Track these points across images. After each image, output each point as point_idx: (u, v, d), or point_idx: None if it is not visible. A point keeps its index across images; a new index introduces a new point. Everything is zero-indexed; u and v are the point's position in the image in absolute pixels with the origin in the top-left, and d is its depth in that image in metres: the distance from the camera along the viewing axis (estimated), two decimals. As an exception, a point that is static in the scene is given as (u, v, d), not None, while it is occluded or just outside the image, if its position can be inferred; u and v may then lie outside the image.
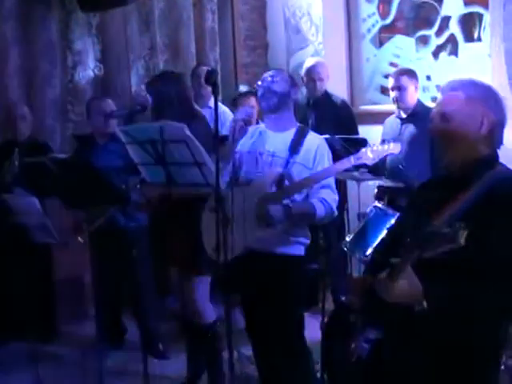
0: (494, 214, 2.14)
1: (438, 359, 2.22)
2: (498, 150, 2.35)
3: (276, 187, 3.38)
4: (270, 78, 3.46)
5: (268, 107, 3.47)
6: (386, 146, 3.46)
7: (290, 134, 3.48)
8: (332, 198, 3.42)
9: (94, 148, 4.69)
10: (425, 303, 2.12)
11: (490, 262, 2.12)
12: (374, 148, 3.42)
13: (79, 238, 4.14)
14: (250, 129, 3.65)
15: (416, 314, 2.14)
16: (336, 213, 3.48)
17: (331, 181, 3.47)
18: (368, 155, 3.41)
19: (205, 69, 5.16)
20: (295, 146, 3.42)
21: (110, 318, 4.88)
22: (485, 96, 2.29)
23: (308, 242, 3.53)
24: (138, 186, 4.02)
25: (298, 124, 3.57)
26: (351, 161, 3.41)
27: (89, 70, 5.85)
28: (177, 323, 4.56)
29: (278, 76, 3.48)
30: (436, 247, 2.01)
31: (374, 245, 3.95)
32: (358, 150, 3.45)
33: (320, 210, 3.37)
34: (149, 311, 4.73)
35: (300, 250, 3.50)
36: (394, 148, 3.49)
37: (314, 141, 3.48)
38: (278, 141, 3.48)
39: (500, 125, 2.30)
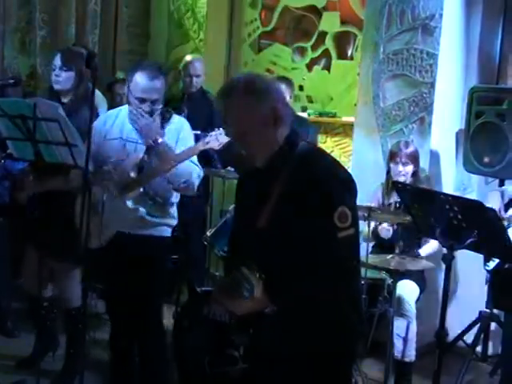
0: (298, 207, 2.25)
1: (297, 364, 2.31)
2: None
3: (136, 173, 3.43)
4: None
5: None
6: None
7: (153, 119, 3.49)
8: (197, 171, 3.48)
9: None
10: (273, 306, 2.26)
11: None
12: (220, 134, 3.44)
13: None
14: (113, 113, 3.68)
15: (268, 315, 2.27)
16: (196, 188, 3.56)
17: (194, 159, 3.51)
18: (215, 140, 3.44)
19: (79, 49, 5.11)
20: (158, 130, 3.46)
21: None
22: (264, 87, 2.31)
23: (175, 223, 3.61)
24: (3, 161, 3.94)
25: (161, 108, 3.56)
26: (201, 145, 3.44)
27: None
28: (26, 303, 4.49)
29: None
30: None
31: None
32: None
33: (195, 172, 3.45)
34: (1, 290, 4.63)
35: (167, 232, 3.58)
36: None
37: (178, 123, 3.55)
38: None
39: (283, 105, 2.34)
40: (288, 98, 4.92)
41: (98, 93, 5.40)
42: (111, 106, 5.67)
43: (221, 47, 6.26)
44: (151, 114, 3.45)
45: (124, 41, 6.57)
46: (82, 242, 3.01)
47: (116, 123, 3.56)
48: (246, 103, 2.29)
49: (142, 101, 3.42)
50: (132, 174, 3.43)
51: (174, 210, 3.61)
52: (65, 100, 3.79)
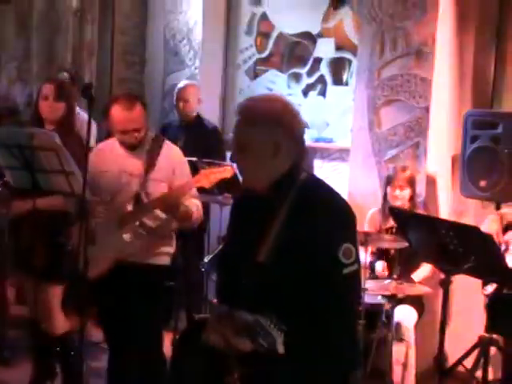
0: (300, 243, 2.23)
1: None
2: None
3: (133, 205, 3.43)
4: None
5: None
6: (220, 170, 3.47)
7: (143, 149, 3.53)
8: (196, 204, 3.49)
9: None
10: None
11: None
12: (209, 172, 3.44)
13: None
14: (100, 147, 3.73)
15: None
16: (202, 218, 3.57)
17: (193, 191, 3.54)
18: (204, 180, 3.43)
19: (65, 74, 5.13)
20: (150, 162, 3.48)
21: None
22: (275, 115, 2.27)
23: (173, 251, 3.62)
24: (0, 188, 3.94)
25: (152, 135, 3.61)
26: (193, 183, 3.46)
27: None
28: (23, 331, 4.47)
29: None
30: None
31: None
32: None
33: (194, 206, 3.47)
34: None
35: (166, 261, 3.58)
36: (227, 172, 3.44)
37: (170, 152, 3.57)
38: (133, 157, 3.53)
39: (295, 140, 2.31)
40: None
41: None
42: (107, 134, 5.71)
43: (216, 74, 6.31)
44: (139, 142, 3.47)
45: (120, 68, 6.61)
46: (70, 265, 3.03)
47: (110, 155, 3.58)
48: (247, 129, 2.29)
49: (124, 132, 3.45)
50: (128, 208, 3.44)
51: (172, 238, 3.62)
52: (49, 127, 3.78)
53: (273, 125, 2.26)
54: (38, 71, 5.99)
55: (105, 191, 3.51)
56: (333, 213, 2.26)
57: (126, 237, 3.43)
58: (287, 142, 2.28)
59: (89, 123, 3.03)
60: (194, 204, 3.49)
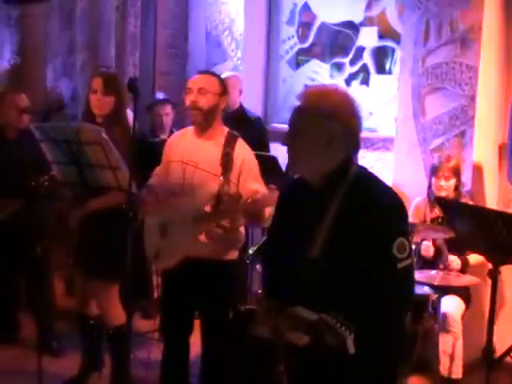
0: (355, 237, 2.22)
1: None
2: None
3: (214, 207, 3.34)
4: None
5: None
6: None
7: (218, 143, 3.45)
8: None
9: (3, 141, 4.61)
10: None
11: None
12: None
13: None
14: (175, 135, 3.71)
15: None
16: None
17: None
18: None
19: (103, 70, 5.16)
20: (227, 159, 3.38)
21: (3, 313, 4.83)
22: (333, 107, 2.28)
23: (241, 244, 3.57)
24: (47, 183, 4.01)
25: (227, 130, 3.53)
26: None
27: (4, 61, 5.77)
28: (71, 322, 4.55)
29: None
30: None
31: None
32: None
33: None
34: (47, 308, 4.70)
35: (234, 255, 3.52)
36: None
37: (240, 152, 3.43)
38: (205, 150, 3.44)
39: (351, 133, 2.31)
40: None
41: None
42: (152, 127, 5.76)
43: (259, 65, 6.30)
44: (205, 117, 3.42)
45: (163, 62, 6.65)
46: (126, 261, 3.03)
47: (180, 145, 3.56)
48: (304, 116, 2.30)
49: (189, 91, 3.42)
50: (207, 208, 3.34)
51: (242, 234, 3.56)
52: (99, 121, 3.77)
53: (330, 115, 2.26)
54: (83, 66, 6.06)
55: (174, 181, 3.48)
56: (386, 207, 2.25)
57: (202, 237, 3.35)
58: (342, 134, 2.28)
59: (134, 117, 3.05)
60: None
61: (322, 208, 2.29)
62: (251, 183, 3.39)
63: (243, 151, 3.47)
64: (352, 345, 2.06)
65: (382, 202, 2.26)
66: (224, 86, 3.53)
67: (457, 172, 4.35)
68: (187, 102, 3.43)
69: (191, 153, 3.46)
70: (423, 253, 4.30)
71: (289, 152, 2.36)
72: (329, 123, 2.26)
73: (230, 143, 3.44)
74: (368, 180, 2.35)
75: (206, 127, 3.46)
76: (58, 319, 4.85)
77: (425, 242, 4.30)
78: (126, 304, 3.45)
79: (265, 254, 2.69)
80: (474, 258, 4.28)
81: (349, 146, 2.33)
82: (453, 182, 4.32)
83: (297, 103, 2.34)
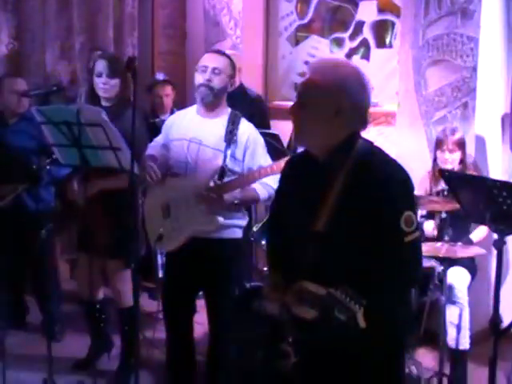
0: (361, 211, 2.21)
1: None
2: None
3: (215, 181, 3.34)
4: None
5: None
6: None
7: (222, 122, 3.46)
8: (271, 179, 3.37)
9: (3, 126, 4.60)
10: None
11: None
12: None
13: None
14: (178, 114, 3.69)
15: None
16: None
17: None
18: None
19: (99, 53, 5.12)
20: (231, 136, 3.40)
21: (12, 297, 4.84)
22: (342, 79, 2.27)
23: (245, 223, 3.58)
24: (48, 166, 4.01)
25: (230, 110, 3.54)
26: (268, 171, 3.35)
27: (2, 45, 5.74)
28: (76, 305, 4.57)
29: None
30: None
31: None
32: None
33: (263, 195, 3.42)
34: (52, 293, 4.71)
35: (239, 233, 3.53)
36: None
37: (245, 130, 3.46)
38: (209, 128, 3.45)
39: (358, 107, 2.31)
40: None
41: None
42: (152, 108, 5.74)
43: (258, 42, 6.26)
44: (215, 95, 3.43)
45: (162, 42, 6.61)
46: (135, 241, 3.04)
47: (183, 123, 3.54)
48: (312, 87, 2.29)
49: (203, 70, 3.43)
50: (211, 183, 3.34)
51: (244, 212, 3.57)
52: (105, 104, 3.80)
53: (338, 88, 2.26)
54: (81, 48, 6.02)
55: (174, 161, 3.48)
56: (393, 181, 2.24)
57: (221, 219, 3.37)
58: (350, 107, 2.27)
59: (134, 96, 3.03)
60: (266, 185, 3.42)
61: (328, 182, 2.28)
62: (259, 157, 3.43)
63: (248, 129, 3.49)
64: (362, 319, 2.05)
65: (388, 176, 2.25)
66: (234, 69, 3.56)
67: (461, 145, 4.32)
68: (199, 80, 3.42)
69: (195, 131, 3.46)
70: (427, 233, 4.30)
71: (294, 122, 2.36)
72: (336, 95, 2.25)
73: (233, 122, 3.45)
74: (374, 154, 2.33)
75: (212, 107, 3.47)
76: (64, 302, 4.88)
77: (427, 222, 4.30)
78: (133, 284, 3.44)
79: (270, 227, 2.67)
80: (477, 236, 4.28)
81: (355, 120, 2.32)
82: (458, 154, 4.29)
83: (306, 74, 2.33)
